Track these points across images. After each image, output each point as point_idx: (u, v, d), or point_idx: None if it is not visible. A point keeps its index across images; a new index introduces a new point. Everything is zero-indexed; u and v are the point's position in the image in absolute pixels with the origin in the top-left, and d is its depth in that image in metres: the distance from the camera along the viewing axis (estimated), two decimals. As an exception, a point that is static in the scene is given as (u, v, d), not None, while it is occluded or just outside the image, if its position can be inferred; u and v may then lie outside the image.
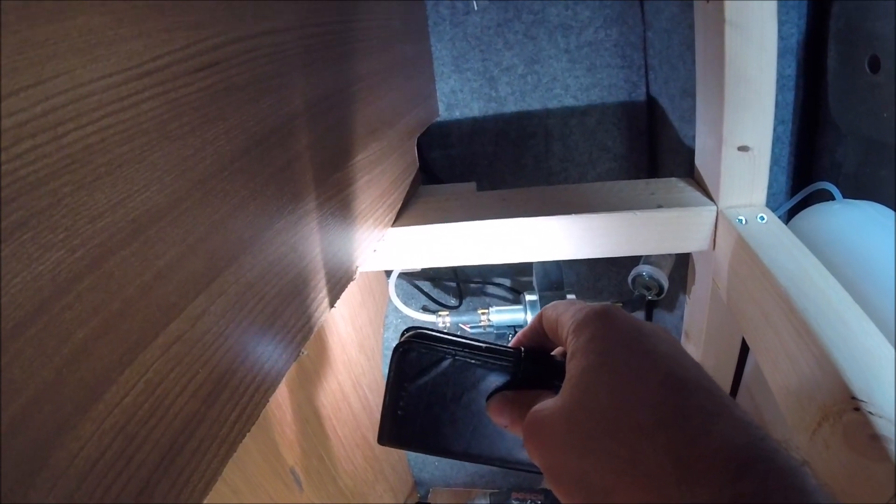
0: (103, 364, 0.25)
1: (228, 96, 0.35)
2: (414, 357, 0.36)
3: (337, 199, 0.52)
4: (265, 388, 0.39)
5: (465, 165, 1.03)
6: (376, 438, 0.38)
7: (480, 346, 0.36)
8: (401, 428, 0.37)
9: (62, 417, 0.23)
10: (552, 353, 0.37)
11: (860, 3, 0.67)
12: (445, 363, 0.36)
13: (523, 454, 0.32)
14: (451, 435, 0.37)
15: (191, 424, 0.31)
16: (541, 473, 0.29)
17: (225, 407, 0.34)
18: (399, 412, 0.37)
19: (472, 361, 0.36)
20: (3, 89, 0.21)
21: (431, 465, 1.40)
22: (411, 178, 0.78)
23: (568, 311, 0.33)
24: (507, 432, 0.36)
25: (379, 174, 0.64)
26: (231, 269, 0.35)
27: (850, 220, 0.64)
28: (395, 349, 0.37)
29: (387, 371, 0.37)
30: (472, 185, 0.84)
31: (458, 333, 0.46)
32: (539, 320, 0.37)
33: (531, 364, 0.36)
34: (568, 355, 0.31)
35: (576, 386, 0.28)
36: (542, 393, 0.33)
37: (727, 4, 0.58)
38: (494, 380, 0.36)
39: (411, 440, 0.37)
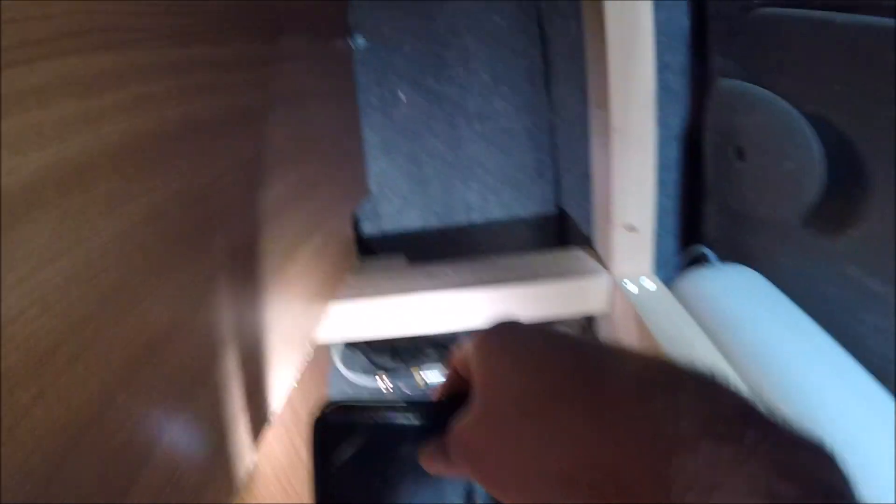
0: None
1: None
2: (333, 433, 0.34)
3: (286, 285, 0.60)
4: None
5: (396, 238, 1.12)
6: None
7: (398, 404, 0.34)
8: None
9: None
10: None
11: (727, 101, 0.80)
12: (367, 430, 0.34)
13: (477, 495, 0.31)
14: (397, 500, 0.34)
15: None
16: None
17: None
18: (334, 493, 0.34)
19: (396, 422, 0.34)
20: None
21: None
22: (349, 254, 0.87)
23: (466, 343, 0.33)
24: (449, 479, 0.34)
25: (320, 258, 0.72)
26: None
27: (717, 283, 0.76)
28: (313, 427, 0.33)
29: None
30: (402, 257, 0.92)
31: (377, 398, 0.45)
32: (451, 365, 0.36)
33: (454, 406, 0.33)
34: (472, 373, 0.31)
35: (483, 389, 0.29)
36: None
37: (613, 112, 0.70)
38: (423, 434, 0.33)
39: None
